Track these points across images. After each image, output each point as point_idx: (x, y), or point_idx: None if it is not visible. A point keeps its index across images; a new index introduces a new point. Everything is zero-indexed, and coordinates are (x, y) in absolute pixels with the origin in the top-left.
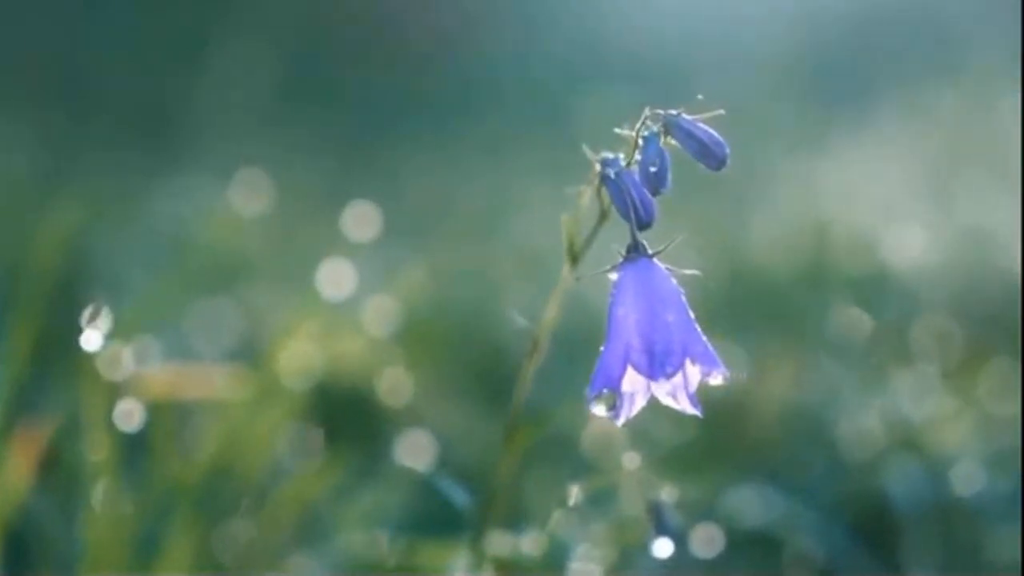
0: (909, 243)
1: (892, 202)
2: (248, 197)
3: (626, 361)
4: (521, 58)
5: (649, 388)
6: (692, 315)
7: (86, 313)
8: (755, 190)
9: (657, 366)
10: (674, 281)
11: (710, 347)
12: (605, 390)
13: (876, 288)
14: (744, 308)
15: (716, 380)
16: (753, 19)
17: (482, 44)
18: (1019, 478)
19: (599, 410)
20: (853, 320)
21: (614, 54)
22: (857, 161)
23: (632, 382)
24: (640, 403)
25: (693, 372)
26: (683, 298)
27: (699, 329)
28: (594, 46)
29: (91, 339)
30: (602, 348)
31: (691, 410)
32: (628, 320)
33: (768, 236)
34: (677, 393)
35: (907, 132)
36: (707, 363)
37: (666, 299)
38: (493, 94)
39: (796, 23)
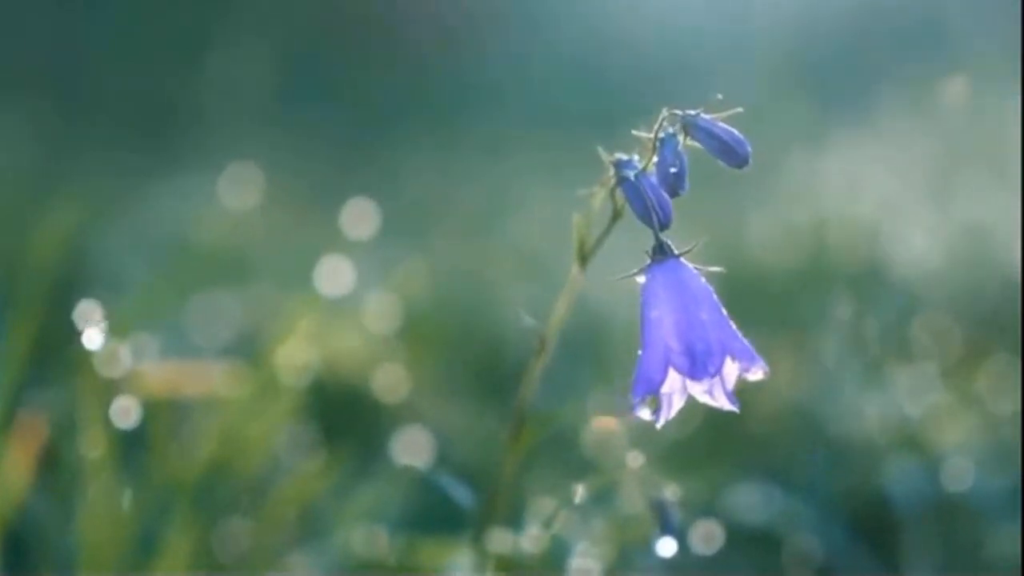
0: (909, 240)
1: (892, 199)
2: (247, 195)
3: (667, 364)
4: (521, 57)
5: (686, 387)
6: (725, 312)
7: (83, 313)
8: (754, 186)
9: (700, 367)
10: (703, 280)
11: (747, 343)
12: (648, 395)
13: (876, 285)
14: (744, 305)
15: (756, 376)
16: (755, 16)
17: (482, 44)
18: (1019, 475)
19: (643, 414)
20: (852, 317)
21: (615, 52)
22: (857, 158)
23: (670, 383)
24: (679, 403)
25: (731, 369)
26: (714, 296)
27: (734, 325)
28: (594, 44)
29: (93, 338)
30: (640, 352)
31: (729, 406)
32: (664, 322)
33: (768, 233)
34: (714, 390)
35: (907, 129)
36: (746, 359)
37: (699, 298)
38: (493, 94)
39: (797, 19)
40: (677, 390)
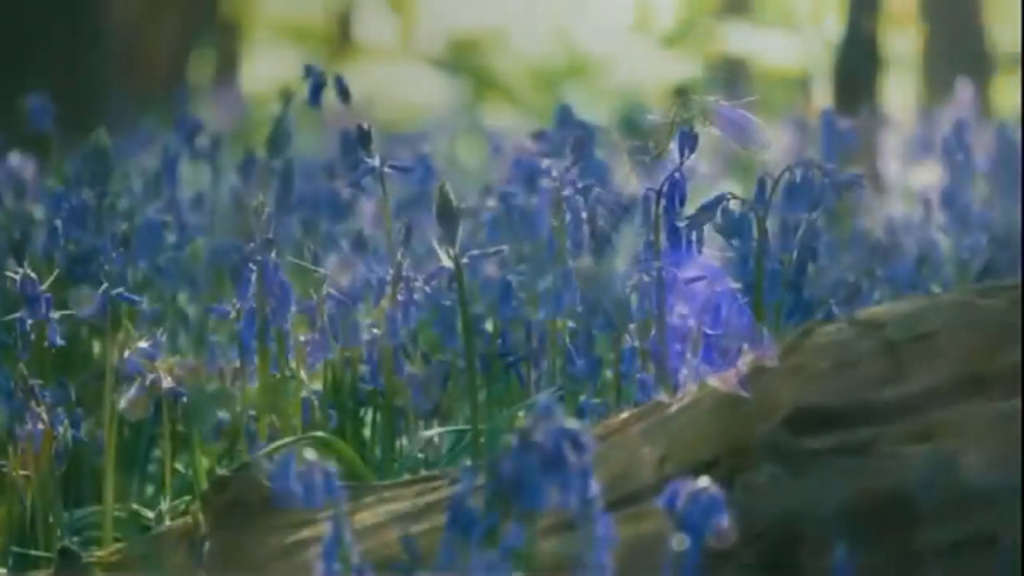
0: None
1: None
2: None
3: (683, 350)
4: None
5: (699, 371)
6: (742, 300)
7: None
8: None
9: (715, 353)
10: (721, 267)
11: (764, 330)
12: (665, 379)
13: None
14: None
15: (771, 362)
16: None
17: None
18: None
19: (663, 397)
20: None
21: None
22: None
23: (686, 364)
24: (691, 384)
25: (745, 354)
26: (732, 284)
27: (751, 313)
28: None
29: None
30: (651, 335)
31: (741, 392)
32: (682, 310)
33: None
34: (726, 375)
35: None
36: (759, 346)
37: (717, 287)
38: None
39: None
40: (692, 376)
